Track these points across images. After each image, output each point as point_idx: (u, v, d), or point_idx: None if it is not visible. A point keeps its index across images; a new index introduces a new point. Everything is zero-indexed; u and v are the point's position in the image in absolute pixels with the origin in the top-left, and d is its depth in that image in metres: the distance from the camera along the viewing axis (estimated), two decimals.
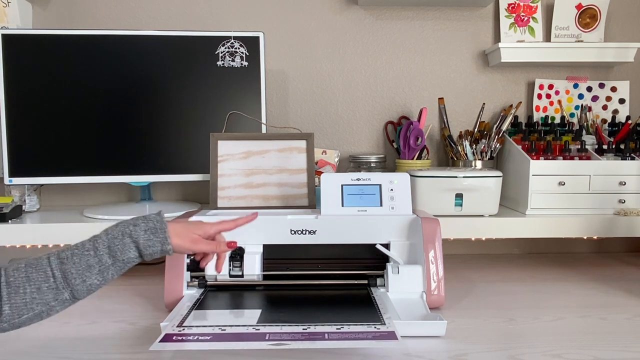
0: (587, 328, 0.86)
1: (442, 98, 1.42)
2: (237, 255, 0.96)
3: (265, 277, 0.97)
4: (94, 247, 0.70)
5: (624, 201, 1.18)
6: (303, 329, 0.73)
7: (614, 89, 1.43)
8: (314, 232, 0.97)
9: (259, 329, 0.73)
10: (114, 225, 0.73)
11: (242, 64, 1.23)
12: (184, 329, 0.74)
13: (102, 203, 1.38)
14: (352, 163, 1.35)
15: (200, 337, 0.70)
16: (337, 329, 0.73)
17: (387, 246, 0.96)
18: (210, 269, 0.94)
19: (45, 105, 1.18)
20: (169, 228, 0.74)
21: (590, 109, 1.42)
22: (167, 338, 0.71)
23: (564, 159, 1.22)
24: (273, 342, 0.69)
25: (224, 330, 0.73)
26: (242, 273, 0.95)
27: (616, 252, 1.43)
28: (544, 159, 1.20)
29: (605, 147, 1.24)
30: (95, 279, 0.69)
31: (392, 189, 1.01)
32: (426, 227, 0.94)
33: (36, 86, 1.18)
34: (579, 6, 1.40)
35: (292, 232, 0.97)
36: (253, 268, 0.95)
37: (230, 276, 0.95)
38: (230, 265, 0.95)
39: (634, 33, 1.44)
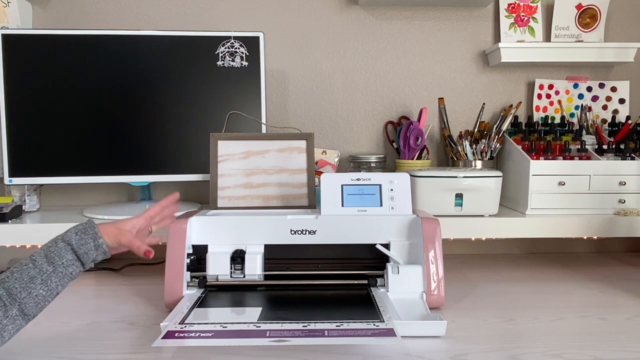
0: (587, 328, 0.86)
1: (442, 98, 1.42)
2: (238, 257, 0.96)
3: (265, 277, 0.97)
4: (31, 260, 0.72)
5: (624, 201, 1.18)
6: (303, 326, 0.73)
7: (614, 89, 1.43)
8: (314, 232, 0.97)
9: (259, 326, 0.74)
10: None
11: (242, 64, 1.23)
12: (185, 326, 0.74)
13: (102, 203, 1.38)
14: (352, 163, 1.35)
15: (201, 334, 0.71)
16: (336, 326, 0.73)
17: (387, 246, 0.96)
18: (212, 269, 0.95)
19: (45, 105, 1.18)
20: (98, 227, 0.78)
21: (590, 109, 1.42)
22: (169, 335, 0.71)
23: (564, 159, 1.22)
24: (273, 338, 0.69)
25: (225, 327, 0.73)
26: (244, 274, 0.95)
27: (616, 252, 1.43)
28: (544, 159, 1.20)
29: (605, 147, 1.24)
30: (40, 289, 0.70)
31: (392, 189, 1.01)
32: (426, 227, 0.94)
33: (36, 86, 1.18)
34: (579, 6, 1.40)
35: (292, 232, 0.97)
36: (254, 268, 0.95)
37: (232, 277, 0.96)
38: (231, 268, 0.96)
39: (634, 33, 1.44)
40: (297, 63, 1.42)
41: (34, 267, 0.71)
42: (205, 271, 0.96)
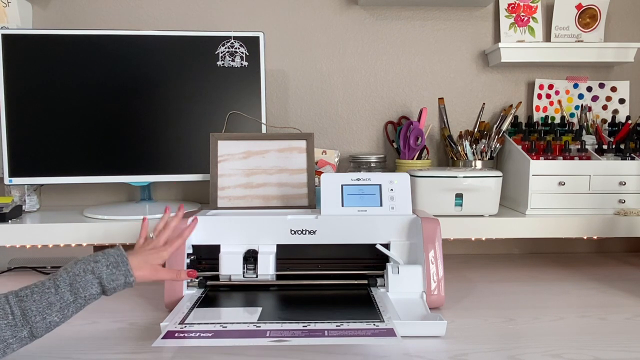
0: (587, 328, 0.86)
1: (442, 98, 1.42)
2: (251, 257, 0.96)
3: (277, 277, 0.97)
4: (54, 285, 0.70)
5: (624, 201, 1.18)
6: (303, 326, 0.73)
7: (614, 89, 1.43)
8: (314, 232, 0.97)
9: (259, 326, 0.74)
10: (72, 263, 0.74)
11: (242, 64, 1.23)
12: (185, 326, 0.74)
13: (102, 203, 1.38)
14: (352, 163, 1.35)
15: (201, 334, 0.71)
16: (336, 326, 0.73)
17: (387, 246, 0.96)
18: (225, 268, 0.95)
19: (45, 105, 1.18)
20: (131, 261, 0.77)
21: (590, 109, 1.42)
22: (169, 335, 0.71)
23: (564, 159, 1.22)
24: (273, 338, 0.69)
25: (225, 327, 0.73)
26: (257, 274, 0.95)
27: (616, 252, 1.43)
28: (544, 159, 1.20)
29: (605, 147, 1.24)
30: (55, 316, 0.69)
31: (392, 189, 1.01)
32: (426, 227, 0.94)
33: (36, 86, 1.18)
34: (579, 6, 1.40)
35: (292, 232, 0.97)
36: (267, 268, 0.95)
37: (244, 277, 0.96)
38: (244, 268, 0.95)
39: (634, 33, 1.44)
40: (297, 63, 1.42)
41: (55, 293, 0.69)
42: (205, 271, 0.97)
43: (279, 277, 0.97)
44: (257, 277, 0.95)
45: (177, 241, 0.88)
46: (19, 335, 0.66)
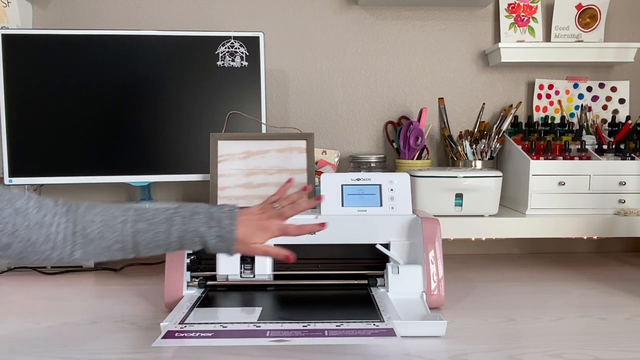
0: (587, 328, 0.86)
1: (442, 98, 1.42)
2: (248, 257, 0.96)
3: (275, 277, 0.97)
4: (167, 230, 0.73)
5: (624, 201, 1.18)
6: (303, 326, 0.73)
7: (614, 89, 1.43)
8: (314, 232, 0.97)
9: (259, 326, 0.74)
10: (192, 212, 0.75)
11: (242, 64, 1.23)
12: (185, 326, 0.74)
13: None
14: (352, 163, 1.35)
15: (201, 334, 0.71)
16: (336, 326, 0.73)
17: (387, 246, 0.96)
18: (222, 269, 0.95)
19: (45, 105, 1.18)
20: (239, 235, 0.75)
21: (590, 109, 1.42)
22: (169, 335, 0.71)
23: (564, 159, 1.22)
24: (273, 338, 0.69)
25: (225, 327, 0.74)
26: (254, 274, 0.95)
27: (616, 252, 1.43)
28: (544, 159, 1.20)
29: (605, 147, 1.24)
30: (160, 251, 0.75)
31: (392, 189, 1.01)
32: (426, 227, 0.94)
33: (36, 86, 1.18)
34: (579, 6, 1.40)
35: None
36: (264, 268, 0.95)
37: (242, 277, 0.96)
38: (241, 268, 0.95)
39: (634, 33, 1.44)
40: (297, 63, 1.42)
41: (165, 239, 0.73)
42: (205, 271, 0.97)
43: (277, 277, 0.97)
44: (254, 277, 0.95)
45: (292, 214, 0.82)
46: (127, 255, 0.74)
